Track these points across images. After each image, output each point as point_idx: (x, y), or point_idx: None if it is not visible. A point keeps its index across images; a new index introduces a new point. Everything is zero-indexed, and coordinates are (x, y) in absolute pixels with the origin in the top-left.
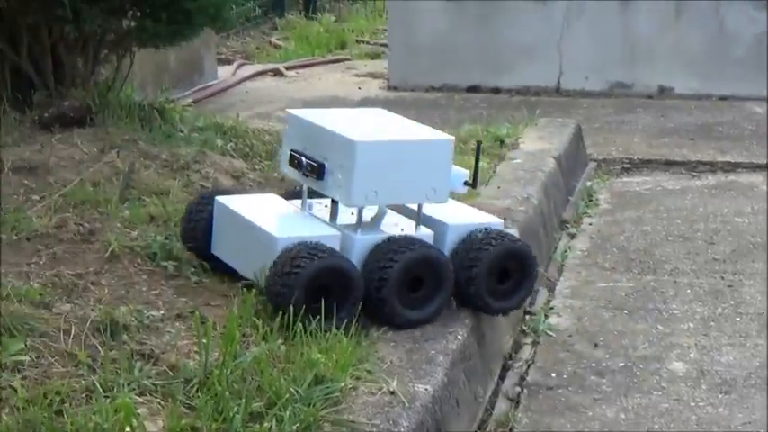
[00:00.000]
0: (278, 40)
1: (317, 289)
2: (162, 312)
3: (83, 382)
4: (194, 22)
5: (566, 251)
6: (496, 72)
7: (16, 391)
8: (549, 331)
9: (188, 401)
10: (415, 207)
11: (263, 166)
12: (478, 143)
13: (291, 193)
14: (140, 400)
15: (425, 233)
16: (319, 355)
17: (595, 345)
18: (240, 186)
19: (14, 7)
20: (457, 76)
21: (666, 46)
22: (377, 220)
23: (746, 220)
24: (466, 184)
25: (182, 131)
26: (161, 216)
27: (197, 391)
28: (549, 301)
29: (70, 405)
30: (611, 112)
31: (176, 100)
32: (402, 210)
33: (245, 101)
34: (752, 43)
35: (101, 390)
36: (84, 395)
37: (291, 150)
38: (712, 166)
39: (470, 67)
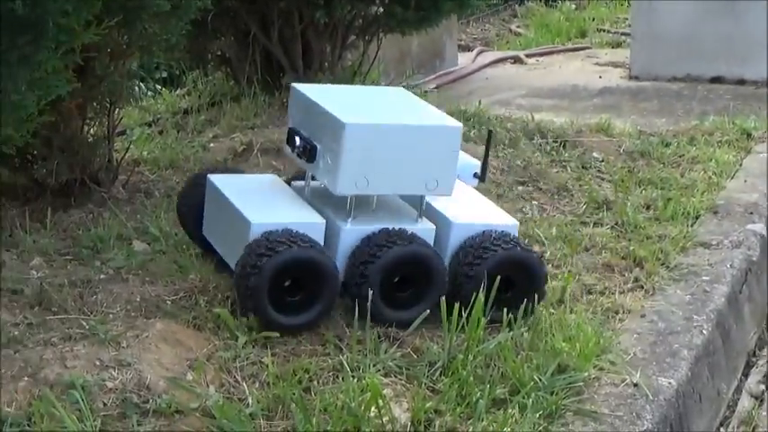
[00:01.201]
0: (518, 27)
1: (285, 281)
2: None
3: (330, 361)
4: (441, 8)
5: None
6: (742, 63)
7: (267, 367)
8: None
9: (431, 385)
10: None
11: (506, 153)
12: (489, 132)
13: (297, 175)
14: (385, 381)
15: (426, 227)
16: (563, 344)
17: None
18: None
19: None
20: (701, 67)
21: None
22: (377, 209)
23: None
24: (475, 176)
25: None
26: None
27: (440, 375)
28: None
29: (318, 383)
30: None
31: (418, 85)
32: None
33: (485, 87)
34: None
35: (348, 369)
36: (331, 374)
37: (289, 128)
38: None
39: (715, 57)
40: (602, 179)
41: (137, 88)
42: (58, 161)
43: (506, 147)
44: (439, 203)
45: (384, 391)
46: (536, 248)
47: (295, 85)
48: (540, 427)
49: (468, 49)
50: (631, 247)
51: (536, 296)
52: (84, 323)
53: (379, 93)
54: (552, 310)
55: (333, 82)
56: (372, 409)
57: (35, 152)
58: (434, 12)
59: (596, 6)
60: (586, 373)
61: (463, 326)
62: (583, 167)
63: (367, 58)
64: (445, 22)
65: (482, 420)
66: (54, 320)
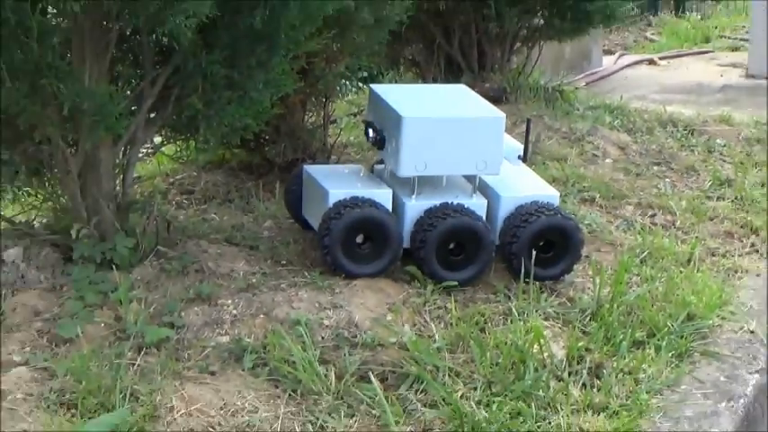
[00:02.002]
0: (652, 34)
1: (356, 234)
2: None
3: (500, 307)
4: (592, 21)
5: None
6: None
7: (450, 311)
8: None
9: (582, 328)
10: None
11: (643, 139)
12: (528, 120)
13: (378, 162)
14: (545, 324)
15: (479, 202)
16: (692, 297)
17: None
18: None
19: (451, 8)
20: None
21: None
22: (440, 186)
23: None
24: (519, 157)
25: (577, 109)
26: (561, 177)
27: (590, 320)
28: None
29: (491, 324)
30: None
31: (571, 83)
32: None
33: (625, 85)
34: None
35: (516, 314)
36: (501, 317)
37: (364, 120)
38: None
39: None
40: (725, 161)
41: (346, 86)
42: (285, 144)
43: (644, 134)
44: (491, 179)
45: (544, 332)
46: (668, 218)
47: (372, 85)
48: (673, 365)
49: (610, 52)
50: (749, 218)
51: (573, 258)
52: (307, 273)
53: (439, 90)
54: (682, 269)
55: (501, 81)
56: (535, 346)
57: (267, 137)
58: (586, 23)
59: (719, 16)
60: (711, 321)
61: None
62: (708, 151)
63: (530, 60)
64: (593, 32)
65: (624, 358)
66: (283, 271)
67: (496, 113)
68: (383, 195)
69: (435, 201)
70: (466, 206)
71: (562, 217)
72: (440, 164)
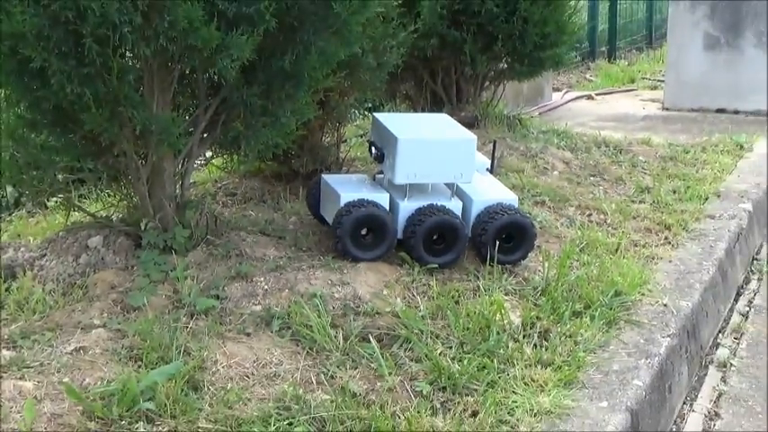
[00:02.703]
0: (590, 76)
1: (361, 227)
2: None
3: (471, 284)
4: (544, 66)
5: None
6: (737, 99)
7: (431, 287)
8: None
9: (534, 301)
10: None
11: (583, 156)
12: (494, 141)
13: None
14: (506, 298)
15: (457, 204)
16: (619, 278)
17: None
18: (567, 168)
19: (436, 55)
20: (709, 102)
21: None
22: (424, 191)
23: None
24: (487, 170)
25: (532, 133)
26: (519, 185)
27: (540, 295)
28: None
29: (464, 298)
30: None
31: (527, 113)
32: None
33: (569, 115)
34: None
35: (482, 290)
36: (472, 293)
37: (368, 141)
38: None
39: (719, 95)
40: (645, 173)
41: (355, 113)
42: (307, 158)
43: (583, 152)
44: (465, 186)
45: (505, 305)
46: (601, 217)
47: (374, 113)
48: (603, 330)
49: (558, 90)
50: (663, 217)
51: (528, 247)
52: (322, 258)
53: (426, 117)
54: (611, 256)
55: (474, 111)
56: (497, 315)
57: (293, 152)
58: (540, 67)
59: (641, 63)
60: (633, 297)
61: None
62: (632, 166)
63: (496, 95)
64: (545, 74)
65: (566, 325)
66: (303, 255)
67: (470, 136)
68: (382, 198)
69: (423, 202)
70: (446, 207)
71: (520, 215)
72: (426, 174)
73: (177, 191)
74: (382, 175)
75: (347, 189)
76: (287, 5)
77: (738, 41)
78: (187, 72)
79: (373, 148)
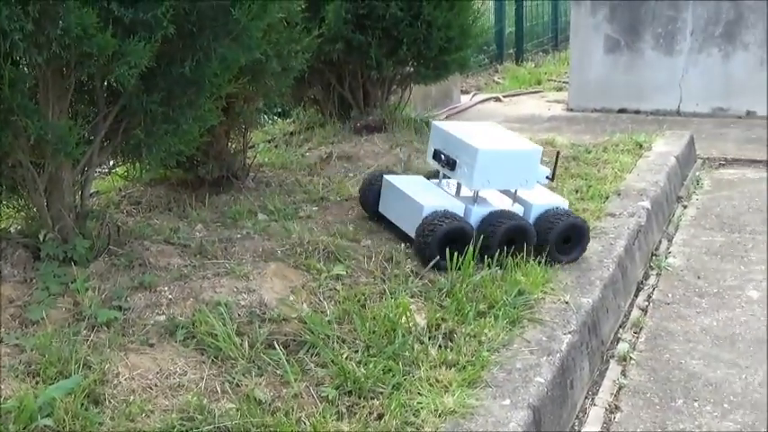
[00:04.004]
0: (498, 78)
1: (449, 240)
2: None
3: (377, 288)
4: (450, 69)
5: (680, 216)
6: (638, 100)
7: (338, 291)
8: (667, 267)
9: (440, 303)
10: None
11: None
12: (557, 153)
13: (431, 174)
14: (412, 301)
15: (518, 208)
16: (522, 278)
17: (698, 277)
18: None
19: (342, 59)
20: (612, 102)
21: (753, 84)
22: (487, 197)
23: None
24: (547, 178)
25: None
26: None
27: (446, 297)
28: (668, 248)
29: (370, 302)
30: (713, 127)
31: (435, 116)
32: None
33: (477, 116)
34: None
35: (388, 293)
36: (378, 296)
37: (435, 148)
38: None
39: (621, 96)
40: None
41: (262, 118)
42: (213, 165)
43: None
44: (522, 193)
45: (411, 307)
46: None
47: (435, 122)
48: (507, 329)
49: (467, 92)
50: None
51: (583, 247)
52: (227, 265)
53: (484, 126)
54: (515, 257)
55: (381, 115)
56: (403, 318)
57: (198, 159)
58: (445, 71)
59: (548, 65)
60: (536, 295)
61: (489, 265)
62: None
63: (403, 99)
64: (452, 76)
65: (471, 325)
66: (209, 264)
67: (537, 147)
68: (459, 207)
69: (491, 207)
70: (512, 211)
71: (577, 218)
72: (498, 181)
73: (77, 201)
74: (436, 180)
75: (424, 196)
76: (185, 11)
77: (638, 44)
78: (85, 79)
79: (442, 156)
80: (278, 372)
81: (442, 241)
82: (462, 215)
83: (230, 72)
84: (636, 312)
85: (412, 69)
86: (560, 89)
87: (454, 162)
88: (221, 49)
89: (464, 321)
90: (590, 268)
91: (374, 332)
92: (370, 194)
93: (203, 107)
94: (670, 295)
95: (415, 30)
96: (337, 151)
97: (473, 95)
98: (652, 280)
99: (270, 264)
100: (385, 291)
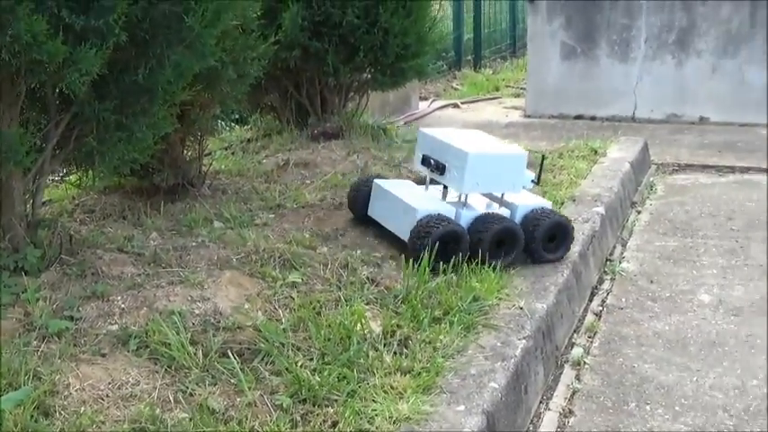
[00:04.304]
0: (456, 85)
1: (443, 243)
2: (381, 254)
3: (333, 295)
4: (407, 76)
5: (634, 221)
6: (594, 106)
7: (293, 299)
8: (621, 272)
9: (395, 309)
10: (498, 194)
11: None
12: (543, 156)
13: (419, 180)
14: (367, 307)
15: (505, 211)
16: (477, 284)
17: (651, 281)
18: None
19: (299, 66)
20: (568, 108)
21: (706, 90)
22: (472, 201)
23: (754, 204)
24: (533, 181)
25: (396, 142)
26: None
27: (401, 303)
28: (622, 253)
29: (325, 309)
30: (667, 133)
31: (393, 123)
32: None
33: (436, 123)
34: (762, 90)
35: (344, 300)
36: (333, 303)
37: (423, 154)
38: (732, 169)
39: (577, 102)
40: None
41: (219, 125)
42: (168, 172)
43: None
44: (507, 196)
45: (366, 314)
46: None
47: (422, 129)
48: (462, 335)
49: (425, 98)
50: None
51: (568, 245)
52: (182, 273)
53: (469, 133)
54: (471, 262)
55: (339, 121)
56: (358, 324)
57: (153, 167)
58: (402, 78)
59: (505, 72)
60: (491, 301)
61: (445, 270)
62: None
63: (361, 105)
64: (411, 83)
65: (426, 331)
66: (163, 272)
67: (523, 152)
68: (450, 211)
69: (479, 211)
70: (502, 215)
71: (561, 217)
72: (487, 185)
73: (28, 209)
74: (423, 186)
75: (417, 200)
76: (138, 18)
77: (594, 51)
78: (36, 87)
79: (432, 161)
80: (232, 381)
81: (436, 242)
82: (453, 218)
83: (184, 79)
84: (590, 317)
85: (369, 76)
86: (518, 95)
87: (444, 166)
88: (175, 57)
89: (419, 328)
90: (544, 274)
91: (329, 340)
92: (359, 198)
93: (157, 115)
94: (624, 300)
95: (371, 36)
96: (294, 158)
97: (431, 102)
98: (606, 285)
99: (225, 272)
100: (340, 298)
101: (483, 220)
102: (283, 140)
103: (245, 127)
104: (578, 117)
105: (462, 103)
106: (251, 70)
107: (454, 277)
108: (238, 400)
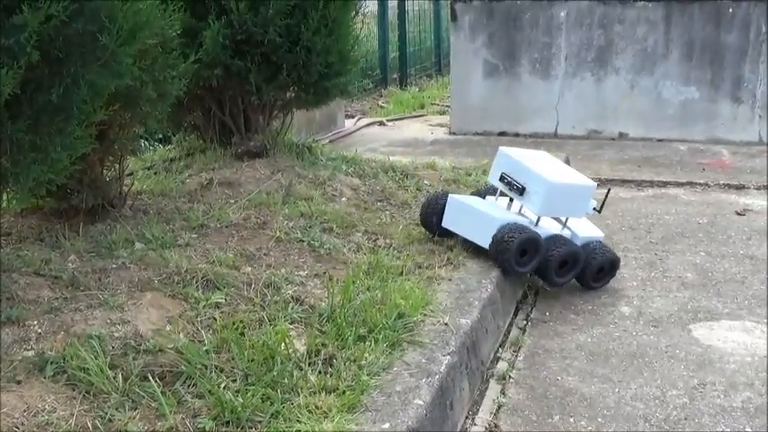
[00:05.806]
0: (383, 102)
1: (523, 250)
2: (306, 273)
3: (256, 315)
4: (330, 95)
5: None
6: (517, 123)
7: (216, 320)
8: (545, 286)
9: (320, 328)
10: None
11: (371, 182)
12: (608, 189)
13: (480, 192)
14: (291, 327)
15: (568, 234)
16: (402, 301)
17: (574, 294)
18: (355, 195)
19: (222, 84)
20: (492, 125)
21: (624, 107)
22: (543, 222)
23: (672, 218)
24: (594, 209)
25: (321, 161)
26: (307, 213)
27: (326, 322)
28: None
29: (248, 329)
30: (588, 149)
31: (319, 141)
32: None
33: (362, 141)
34: (678, 106)
35: (267, 320)
36: (257, 323)
37: (502, 172)
38: (651, 183)
39: (501, 119)
40: None
41: (141, 145)
42: (87, 193)
43: (371, 178)
44: (570, 222)
45: (290, 333)
46: (388, 241)
47: (503, 148)
48: (387, 353)
49: (351, 116)
50: (446, 240)
51: (612, 274)
52: (101, 296)
53: (544, 156)
54: (396, 279)
55: (263, 140)
56: (282, 344)
57: (71, 187)
58: (326, 96)
59: (431, 89)
60: (416, 318)
61: (369, 288)
62: (417, 190)
63: (285, 124)
64: (336, 101)
65: (351, 349)
66: (81, 295)
67: (592, 183)
68: (526, 221)
69: (550, 231)
70: (566, 238)
71: (614, 255)
72: (559, 210)
73: None
74: (493, 197)
75: (495, 211)
76: (51, 37)
77: (516, 68)
78: None
79: (508, 179)
80: (153, 405)
81: (518, 249)
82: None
83: (100, 98)
84: (515, 331)
85: (293, 95)
86: (443, 113)
87: (523, 188)
88: (90, 76)
89: (344, 346)
90: (469, 289)
91: (253, 360)
92: (434, 213)
93: (73, 134)
94: (547, 313)
95: (294, 55)
96: (218, 177)
97: (357, 120)
98: (530, 299)
99: (146, 294)
100: (264, 318)
101: (553, 240)
102: (207, 160)
103: (169, 146)
104: (502, 134)
105: (388, 120)
106: (171, 89)
107: (379, 294)
108: (159, 424)
